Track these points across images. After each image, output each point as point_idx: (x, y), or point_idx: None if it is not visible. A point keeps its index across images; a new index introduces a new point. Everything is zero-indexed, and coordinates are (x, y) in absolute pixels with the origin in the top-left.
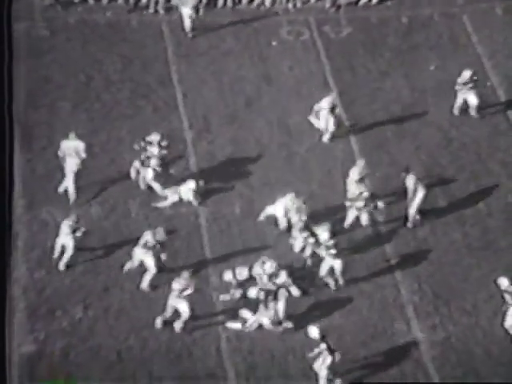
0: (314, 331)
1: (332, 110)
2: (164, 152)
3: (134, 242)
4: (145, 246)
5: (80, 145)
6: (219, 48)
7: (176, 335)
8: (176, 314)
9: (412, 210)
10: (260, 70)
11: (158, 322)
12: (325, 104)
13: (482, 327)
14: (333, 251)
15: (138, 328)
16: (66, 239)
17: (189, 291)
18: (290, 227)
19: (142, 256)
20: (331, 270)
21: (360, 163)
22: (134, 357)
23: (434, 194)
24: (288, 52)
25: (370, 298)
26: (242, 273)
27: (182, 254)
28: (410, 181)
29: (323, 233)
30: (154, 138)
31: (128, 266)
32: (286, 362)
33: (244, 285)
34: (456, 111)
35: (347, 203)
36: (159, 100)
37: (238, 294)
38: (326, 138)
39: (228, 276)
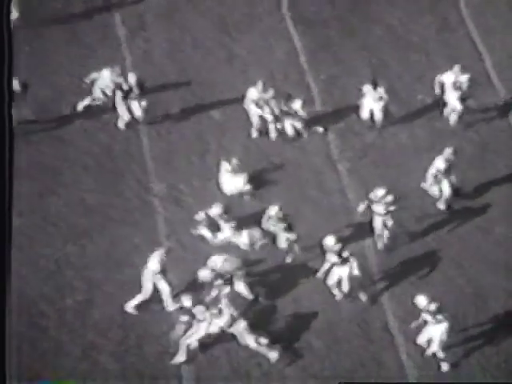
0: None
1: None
2: None
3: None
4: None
5: None
6: None
7: (116, 242)
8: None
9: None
10: None
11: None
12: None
13: (425, 233)
14: (345, 254)
15: (75, 235)
16: (156, 280)
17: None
18: None
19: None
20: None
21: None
22: (72, 265)
23: None
24: None
25: (318, 205)
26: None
27: (121, 160)
28: (374, 95)
29: (331, 240)
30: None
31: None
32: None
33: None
34: None
35: None
36: None
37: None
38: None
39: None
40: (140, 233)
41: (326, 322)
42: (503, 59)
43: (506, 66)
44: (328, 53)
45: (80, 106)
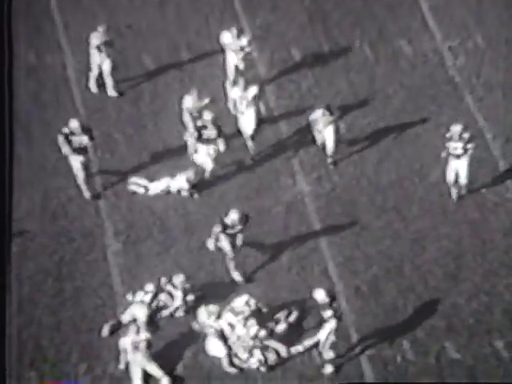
0: None
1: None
2: None
3: None
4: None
5: None
6: None
7: (50, 194)
8: None
9: (330, 150)
10: None
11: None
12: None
13: (367, 176)
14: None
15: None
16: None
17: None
18: None
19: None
20: None
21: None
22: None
23: (317, 40)
24: None
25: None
26: None
27: (51, 109)
28: (323, 121)
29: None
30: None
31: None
32: (166, 218)
33: None
34: None
35: None
36: None
37: None
38: None
39: None
40: (74, 183)
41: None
42: (440, 4)
43: (442, 11)
44: None
45: (92, 86)
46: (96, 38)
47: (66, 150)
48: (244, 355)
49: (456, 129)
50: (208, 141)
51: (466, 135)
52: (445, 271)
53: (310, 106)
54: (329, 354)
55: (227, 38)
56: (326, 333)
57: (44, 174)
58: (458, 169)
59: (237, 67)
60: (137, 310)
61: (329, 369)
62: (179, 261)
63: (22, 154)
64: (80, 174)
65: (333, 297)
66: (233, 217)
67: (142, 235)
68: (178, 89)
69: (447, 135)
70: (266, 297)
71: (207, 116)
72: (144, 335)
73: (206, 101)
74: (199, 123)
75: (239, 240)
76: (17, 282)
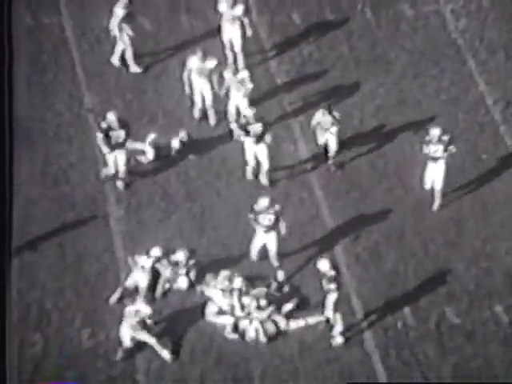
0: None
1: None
2: None
3: None
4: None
5: None
6: None
7: (51, 160)
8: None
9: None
10: None
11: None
12: None
13: (368, 142)
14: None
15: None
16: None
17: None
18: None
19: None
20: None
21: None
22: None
23: (318, 4)
24: None
25: None
26: None
27: (49, 72)
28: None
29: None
30: None
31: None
32: (167, 185)
33: None
34: None
35: None
36: None
37: None
38: None
39: None
40: (75, 149)
41: None
42: None
43: None
44: None
45: (115, 60)
46: (120, 10)
47: (105, 149)
48: (244, 323)
49: (435, 132)
50: (257, 137)
51: (446, 137)
52: (446, 237)
53: (312, 69)
54: (338, 327)
55: (223, 6)
56: (331, 307)
57: (44, 138)
58: (435, 173)
59: (231, 42)
60: (138, 276)
61: (339, 340)
62: (181, 227)
63: (21, 118)
64: (111, 169)
65: (337, 270)
66: (261, 204)
67: (144, 202)
68: (177, 54)
69: (426, 138)
70: (265, 264)
71: (248, 112)
72: (145, 309)
73: (213, 63)
74: (242, 121)
75: (283, 228)
76: (18, 247)
